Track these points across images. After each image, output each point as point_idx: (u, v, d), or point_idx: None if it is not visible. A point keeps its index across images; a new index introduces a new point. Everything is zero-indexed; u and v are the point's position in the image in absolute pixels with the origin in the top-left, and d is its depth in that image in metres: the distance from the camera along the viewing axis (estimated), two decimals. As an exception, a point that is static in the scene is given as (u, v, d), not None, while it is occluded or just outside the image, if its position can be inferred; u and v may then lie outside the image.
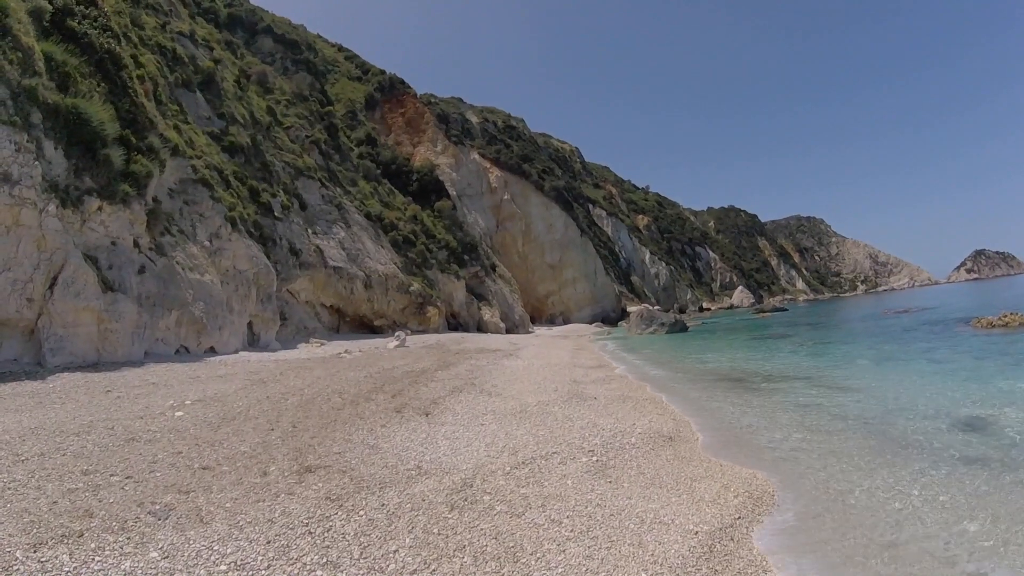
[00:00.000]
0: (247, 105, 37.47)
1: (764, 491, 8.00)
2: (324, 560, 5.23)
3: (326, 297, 36.49)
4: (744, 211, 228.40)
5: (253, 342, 24.90)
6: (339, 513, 6.25)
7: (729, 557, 5.93)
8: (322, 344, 27.86)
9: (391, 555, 5.43)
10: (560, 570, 5.37)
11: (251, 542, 5.45)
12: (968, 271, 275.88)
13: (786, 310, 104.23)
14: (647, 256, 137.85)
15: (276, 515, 6.08)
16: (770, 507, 7.46)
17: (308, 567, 5.11)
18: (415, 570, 5.20)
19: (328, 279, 35.56)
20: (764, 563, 5.88)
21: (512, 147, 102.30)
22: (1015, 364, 20.53)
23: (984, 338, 29.91)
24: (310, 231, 35.71)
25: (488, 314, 54.08)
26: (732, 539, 6.37)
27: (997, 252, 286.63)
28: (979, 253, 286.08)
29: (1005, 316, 34.40)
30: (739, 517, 6.99)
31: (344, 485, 7.12)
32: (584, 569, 5.42)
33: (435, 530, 6.02)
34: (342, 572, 5.07)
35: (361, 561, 5.28)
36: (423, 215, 55.84)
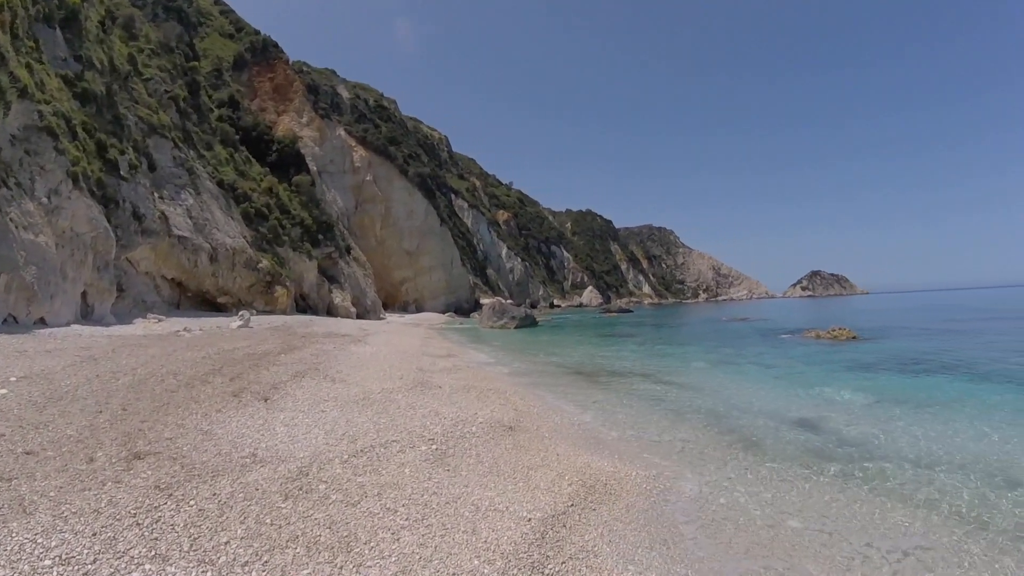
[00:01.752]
0: (108, 50, 34.57)
1: (598, 480, 8.43)
2: (153, 553, 5.07)
3: (168, 269, 34.16)
4: (601, 216, 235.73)
5: (87, 314, 23.38)
6: (168, 503, 6.05)
7: (561, 543, 6.17)
8: (160, 320, 26.53)
9: (222, 547, 5.32)
10: (393, 559, 5.43)
11: (76, 534, 5.21)
12: (803, 288, 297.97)
13: (632, 312, 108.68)
14: (504, 251, 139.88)
15: (103, 505, 5.83)
16: (604, 496, 7.84)
17: (136, 560, 4.94)
18: (247, 562, 5.12)
19: (171, 249, 33.30)
20: (595, 548, 6.18)
21: (381, 127, 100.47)
22: (838, 372, 23.00)
23: (813, 347, 32.97)
24: (157, 195, 33.18)
25: (339, 298, 52.85)
26: (565, 526, 6.64)
27: (832, 274, 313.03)
28: (815, 273, 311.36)
29: (833, 330, 38.60)
30: (572, 504, 7.30)
31: (175, 473, 6.89)
32: (417, 557, 5.50)
33: (268, 520, 5.94)
34: (171, 565, 4.93)
35: (191, 553, 5.15)
36: (280, 188, 53.37)
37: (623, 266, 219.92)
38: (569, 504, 7.33)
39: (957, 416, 14.82)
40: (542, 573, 5.52)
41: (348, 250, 61.97)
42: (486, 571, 5.41)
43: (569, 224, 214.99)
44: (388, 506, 6.61)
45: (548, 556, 5.84)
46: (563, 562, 5.77)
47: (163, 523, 5.62)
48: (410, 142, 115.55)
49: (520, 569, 5.53)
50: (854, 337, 36.39)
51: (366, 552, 5.52)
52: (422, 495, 7.06)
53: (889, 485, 9.48)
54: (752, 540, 6.93)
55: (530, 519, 6.68)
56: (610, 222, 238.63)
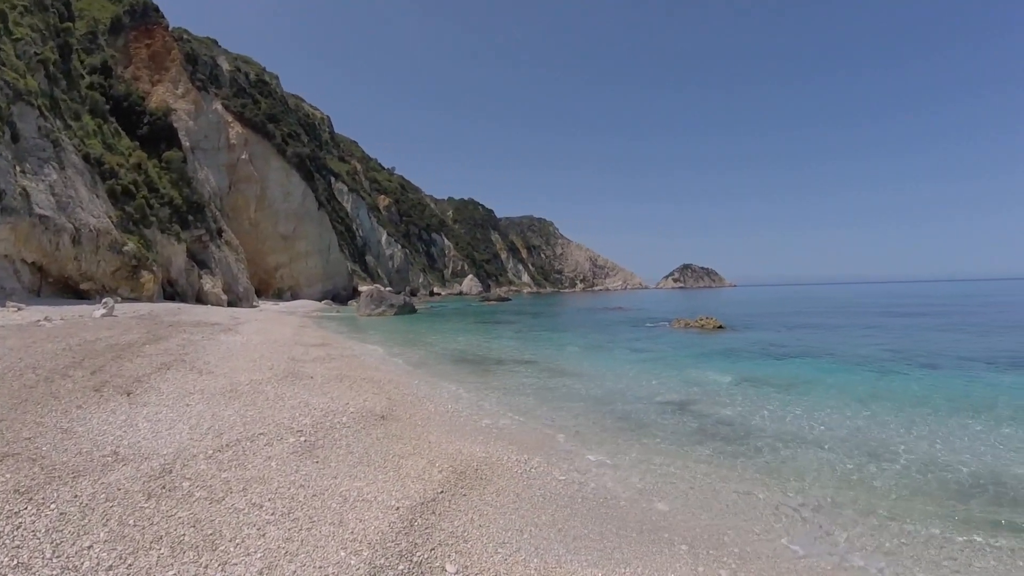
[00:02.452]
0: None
1: (469, 466, 8.60)
2: (15, 562, 4.84)
3: (28, 252, 31.08)
4: (482, 205, 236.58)
5: (-64, 301, 21.49)
6: (29, 508, 5.75)
7: (430, 530, 6.25)
8: (19, 309, 24.76)
9: (85, 551, 5.12)
10: (259, 555, 5.36)
11: (-68, 546, 4.90)
12: (675, 280, 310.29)
13: (511, 300, 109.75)
14: (384, 237, 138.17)
15: (-40, 513, 5.47)
16: (475, 481, 8.01)
17: (-3, 571, 4.71)
18: (111, 566, 4.96)
19: (32, 230, 30.39)
20: (465, 533, 6.30)
21: (261, 104, 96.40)
22: (705, 357, 24.76)
23: (682, 336, 35.07)
24: (18, 169, 30.32)
25: (210, 284, 50.66)
26: (434, 512, 6.72)
27: (702, 267, 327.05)
28: (686, 267, 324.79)
29: (701, 319, 41.36)
30: (442, 491, 7.40)
31: (35, 475, 6.54)
32: (283, 552, 5.45)
33: (131, 521, 5.74)
34: (34, 573, 4.74)
35: (54, 560, 4.94)
36: (149, 165, 49.71)
37: (503, 255, 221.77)
38: (439, 491, 7.42)
39: (815, 395, 16.51)
40: (410, 561, 5.56)
41: (220, 233, 59.20)
42: (353, 562, 5.40)
43: (451, 212, 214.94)
44: (254, 501, 6.51)
45: (416, 544, 5.90)
46: (432, 548, 5.85)
47: (24, 529, 5.36)
48: (290, 120, 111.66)
49: (387, 558, 5.55)
50: (720, 326, 38.72)
51: (231, 550, 5.43)
52: (289, 488, 6.98)
53: (758, 461, 10.40)
54: (620, 523, 7.24)
55: (398, 508, 6.71)
56: (491, 211, 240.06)
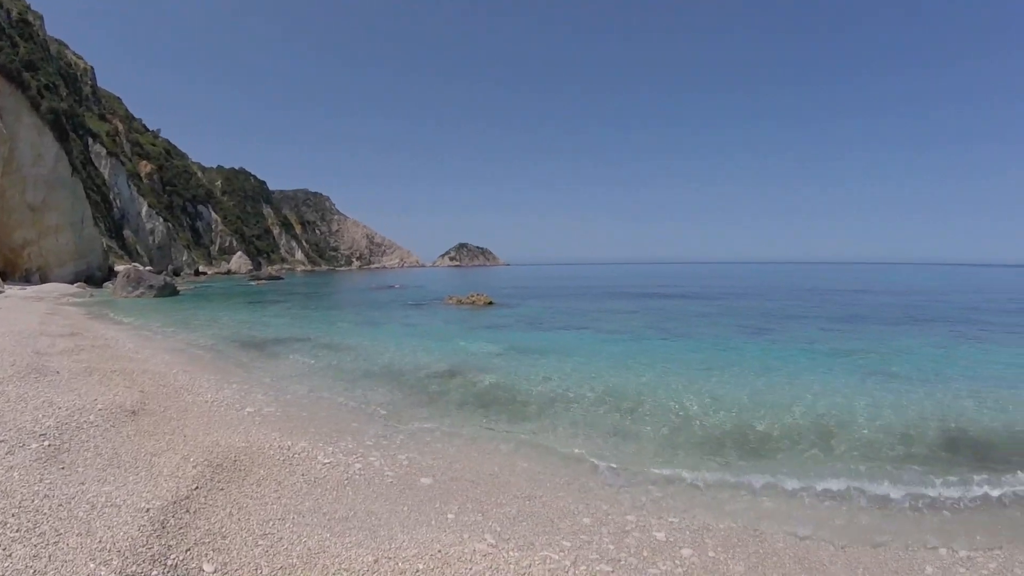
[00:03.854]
0: None
1: (227, 457, 8.35)
2: None
3: None
4: (255, 176, 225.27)
5: None
6: None
7: (185, 530, 6.03)
8: None
9: None
10: None
11: None
12: (451, 259, 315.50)
13: (283, 279, 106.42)
14: (145, 209, 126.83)
15: None
16: (233, 473, 7.82)
17: None
18: None
19: None
20: (223, 529, 6.14)
21: (19, 48, 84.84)
22: (473, 331, 26.48)
23: (454, 312, 36.93)
24: None
25: (-65, 265, 43.71)
26: (188, 511, 6.47)
27: (477, 246, 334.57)
28: (462, 246, 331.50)
29: (472, 296, 43.21)
30: (197, 487, 7.13)
31: None
32: (32, 571, 5.05)
33: None
34: None
35: None
36: None
37: (276, 231, 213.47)
38: (194, 487, 7.16)
39: (574, 361, 18.26)
40: (164, 564, 5.37)
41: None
42: (103, 573, 5.12)
43: (220, 182, 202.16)
44: (-1, 519, 5.95)
45: (170, 546, 5.69)
46: (187, 549, 5.68)
47: None
48: (50, 70, 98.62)
49: (140, 564, 5.32)
50: (491, 303, 40.76)
51: (-27, 576, 4.96)
52: (34, 500, 6.38)
53: (523, 425, 11.36)
54: (389, 500, 7.43)
55: (149, 509, 6.39)
56: (264, 183, 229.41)
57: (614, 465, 9.30)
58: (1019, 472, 9.30)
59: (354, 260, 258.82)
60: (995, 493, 8.62)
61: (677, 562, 6.38)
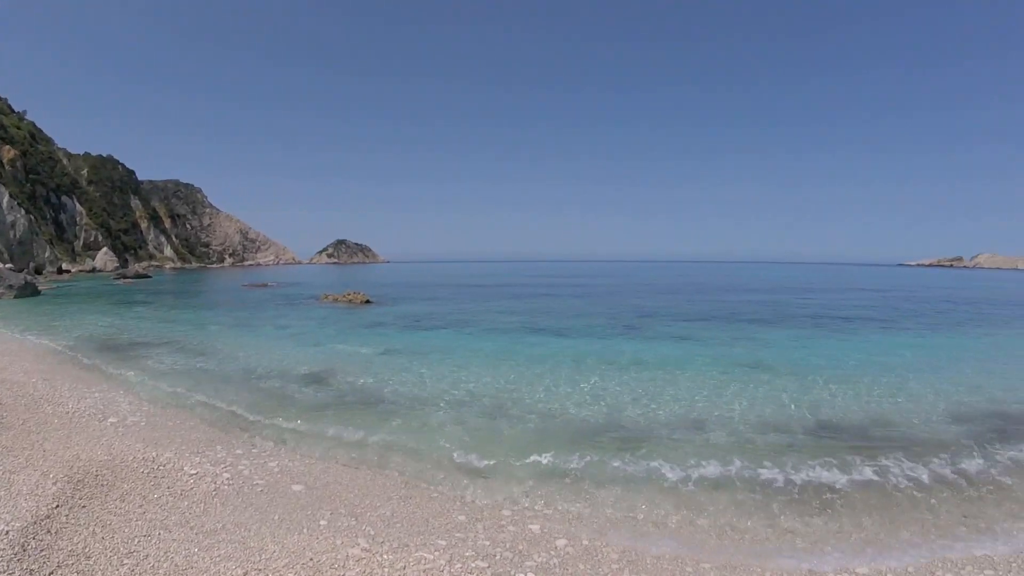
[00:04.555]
0: None
1: (88, 472, 8.01)
2: None
3: None
4: (123, 164, 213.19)
5: None
6: None
7: (47, 552, 5.77)
8: None
9: None
10: None
11: None
12: (329, 256, 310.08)
13: (150, 277, 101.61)
14: (6, 199, 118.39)
15: None
16: (95, 489, 7.50)
17: None
18: None
19: None
20: (86, 549, 5.89)
21: None
22: (348, 330, 26.11)
23: (329, 310, 36.31)
24: None
25: None
26: (50, 531, 6.18)
27: (356, 243, 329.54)
28: (340, 242, 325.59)
29: (349, 294, 42.69)
30: (58, 506, 6.84)
31: None
32: None
33: None
34: None
35: None
36: None
37: (144, 225, 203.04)
38: (55, 506, 6.86)
39: (451, 361, 18.34)
40: None
41: None
42: None
43: (86, 171, 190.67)
44: None
45: (32, 570, 5.45)
46: (50, 573, 5.46)
47: None
48: None
49: None
50: (368, 301, 40.33)
51: None
52: None
53: (394, 425, 11.44)
54: (259, 510, 7.33)
55: (8, 532, 6.09)
56: (133, 172, 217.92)
57: (490, 462, 9.50)
58: (882, 457, 10.00)
59: (227, 257, 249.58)
60: (862, 476, 9.25)
61: (552, 553, 6.61)
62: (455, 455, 9.87)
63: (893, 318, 34.14)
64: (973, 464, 9.74)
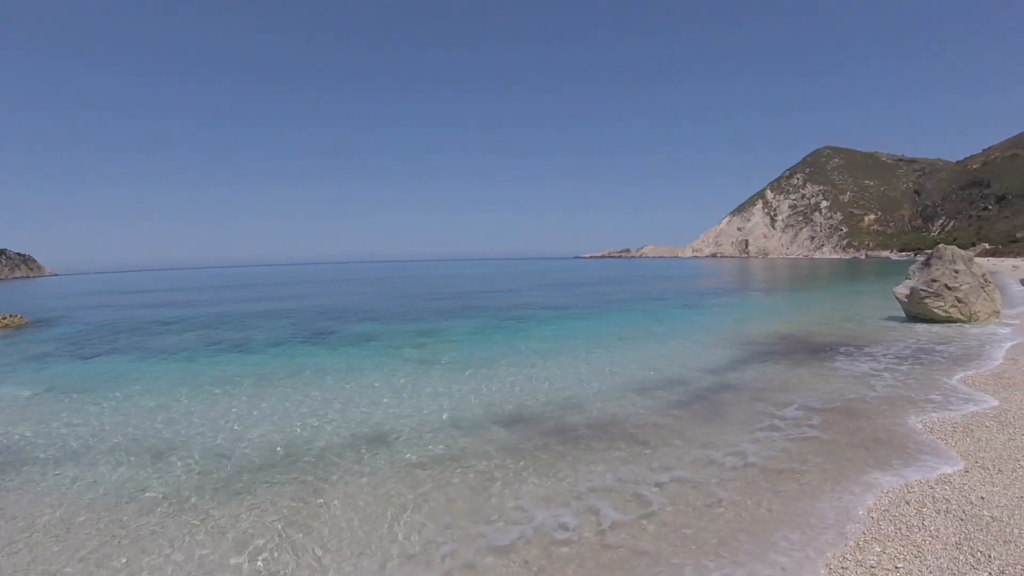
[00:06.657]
0: None
1: None
2: None
3: None
4: None
5: None
6: None
7: None
8: None
9: None
10: None
11: None
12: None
13: None
14: None
15: None
16: None
17: None
18: None
19: None
20: None
21: None
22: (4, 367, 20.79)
23: None
24: None
25: None
26: None
27: (19, 253, 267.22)
28: (1, 252, 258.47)
29: (5, 318, 34.42)
30: None
31: None
32: None
33: None
34: None
35: None
36: None
37: None
38: None
39: (118, 398, 15.42)
40: None
41: None
42: None
43: None
44: None
45: None
46: None
47: None
48: None
49: None
50: (25, 324, 34.38)
51: None
52: None
53: (41, 488, 9.32)
54: None
55: None
56: None
57: (158, 499, 8.47)
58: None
59: None
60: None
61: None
62: (112, 503, 8.65)
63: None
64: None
